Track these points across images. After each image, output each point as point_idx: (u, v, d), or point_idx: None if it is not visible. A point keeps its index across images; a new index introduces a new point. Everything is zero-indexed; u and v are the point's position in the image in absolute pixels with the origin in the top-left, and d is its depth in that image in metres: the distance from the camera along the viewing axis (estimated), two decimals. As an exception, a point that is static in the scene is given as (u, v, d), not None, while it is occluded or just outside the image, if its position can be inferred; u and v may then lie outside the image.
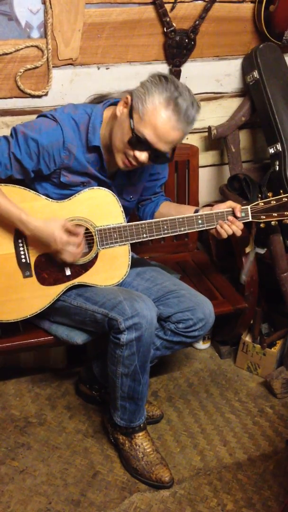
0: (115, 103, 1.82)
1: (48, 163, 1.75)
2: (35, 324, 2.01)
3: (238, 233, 1.90)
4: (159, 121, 1.64)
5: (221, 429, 2.19)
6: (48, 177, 1.80)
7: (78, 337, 1.94)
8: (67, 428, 2.15)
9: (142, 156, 1.70)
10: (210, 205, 2.34)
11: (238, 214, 1.90)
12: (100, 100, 1.87)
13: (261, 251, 2.31)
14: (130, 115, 1.67)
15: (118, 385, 1.86)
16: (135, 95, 1.67)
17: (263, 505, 1.88)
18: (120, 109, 1.71)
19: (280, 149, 2.32)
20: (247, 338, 2.45)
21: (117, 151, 1.73)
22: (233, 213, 1.90)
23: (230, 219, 1.89)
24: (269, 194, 1.96)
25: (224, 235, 1.90)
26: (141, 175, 1.95)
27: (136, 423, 1.94)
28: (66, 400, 2.29)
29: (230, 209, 1.90)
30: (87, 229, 1.83)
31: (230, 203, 1.92)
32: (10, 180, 1.78)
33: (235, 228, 1.89)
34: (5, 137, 1.74)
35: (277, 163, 2.34)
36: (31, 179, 1.81)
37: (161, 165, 2.01)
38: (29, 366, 2.41)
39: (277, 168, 2.34)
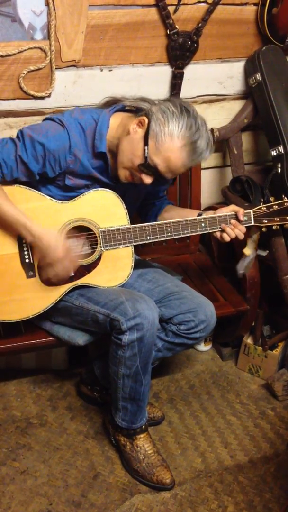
0: (122, 109, 1.82)
1: (53, 167, 1.75)
2: (36, 324, 2.01)
3: (241, 236, 1.92)
4: (174, 157, 1.68)
5: (222, 431, 2.19)
6: (53, 179, 1.80)
7: (80, 338, 1.94)
8: (68, 429, 2.15)
9: (148, 179, 1.74)
10: (212, 207, 2.35)
11: (241, 218, 1.91)
12: (114, 103, 1.87)
13: (263, 253, 2.32)
14: (145, 141, 1.68)
15: (120, 386, 1.86)
16: (153, 120, 1.67)
17: (264, 508, 1.88)
18: (134, 128, 1.71)
19: (283, 151, 2.33)
20: (249, 340, 2.44)
21: (122, 167, 1.76)
22: (236, 217, 1.91)
23: (233, 222, 1.90)
24: (272, 198, 1.98)
25: (227, 239, 1.91)
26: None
27: (138, 424, 1.94)
28: (67, 401, 2.29)
29: (233, 213, 1.91)
30: (91, 230, 1.83)
31: (233, 207, 1.93)
32: (15, 181, 1.78)
33: (238, 231, 1.91)
34: (12, 140, 1.74)
35: (279, 165, 2.34)
36: (36, 181, 1.81)
37: None
38: (30, 367, 2.41)
39: (279, 171, 2.34)
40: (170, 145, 1.66)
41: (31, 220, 1.73)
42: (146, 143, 1.68)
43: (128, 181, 1.79)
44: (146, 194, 2.05)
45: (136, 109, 1.78)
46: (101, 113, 1.78)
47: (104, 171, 1.82)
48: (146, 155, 1.68)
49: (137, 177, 1.75)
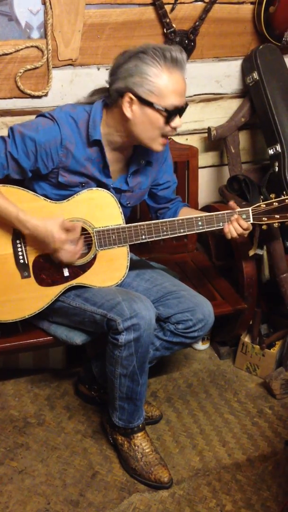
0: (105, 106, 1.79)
1: (46, 162, 1.75)
2: (34, 324, 2.01)
3: (244, 227, 1.89)
4: (175, 84, 1.66)
5: (220, 429, 2.19)
6: (46, 177, 1.80)
7: (77, 338, 1.94)
8: (66, 429, 2.15)
9: (178, 122, 1.72)
10: (211, 207, 2.35)
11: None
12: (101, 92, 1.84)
13: (261, 252, 2.32)
14: (147, 104, 1.66)
15: (117, 386, 1.86)
16: (135, 87, 1.65)
17: (262, 506, 1.88)
18: (129, 110, 1.69)
19: (280, 150, 2.33)
20: (246, 339, 2.45)
21: (151, 140, 1.74)
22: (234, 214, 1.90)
23: (236, 217, 1.88)
24: (272, 195, 1.95)
25: (234, 234, 1.88)
26: (141, 184, 1.95)
27: (135, 423, 1.95)
28: (65, 400, 2.29)
29: (230, 210, 1.90)
30: (85, 230, 1.83)
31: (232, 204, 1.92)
32: (8, 181, 1.78)
33: (236, 225, 1.88)
34: (2, 137, 1.74)
35: (277, 164, 2.34)
36: (29, 179, 1.81)
37: (169, 172, 2.03)
38: (28, 366, 2.42)
39: (277, 169, 2.34)
40: (165, 81, 1.64)
41: (25, 212, 1.73)
42: (150, 104, 1.66)
43: (164, 145, 1.78)
44: (159, 199, 2.05)
45: (109, 102, 1.75)
46: (93, 105, 1.78)
47: (103, 165, 1.81)
48: (161, 108, 1.66)
49: (170, 131, 1.73)
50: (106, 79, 1.76)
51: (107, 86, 1.77)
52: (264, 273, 2.28)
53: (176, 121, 1.71)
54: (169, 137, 1.84)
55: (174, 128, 1.73)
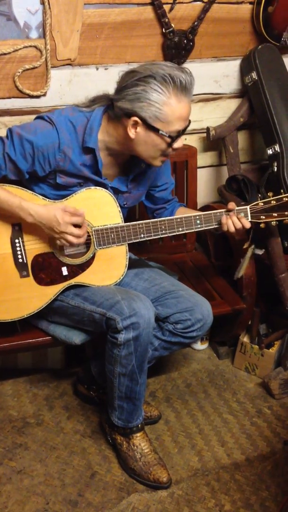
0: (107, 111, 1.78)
1: (43, 165, 1.74)
2: (33, 324, 2.01)
3: (246, 226, 1.90)
4: (181, 110, 1.67)
5: (219, 429, 2.19)
6: (44, 178, 1.80)
7: (76, 337, 1.94)
8: (65, 429, 2.15)
9: (180, 144, 1.74)
10: (210, 207, 2.35)
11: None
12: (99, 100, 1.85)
13: (259, 251, 2.32)
14: (153, 129, 1.67)
15: (116, 385, 1.86)
16: (141, 112, 1.65)
17: (261, 506, 1.88)
18: (133, 132, 1.69)
19: (278, 150, 2.33)
20: (245, 339, 2.45)
21: (152, 159, 1.77)
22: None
23: (240, 216, 1.89)
24: (270, 194, 1.95)
25: (231, 228, 1.88)
26: (139, 186, 1.95)
27: (134, 423, 1.94)
28: (64, 400, 2.28)
29: (228, 209, 1.90)
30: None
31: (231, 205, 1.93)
32: (6, 180, 1.78)
33: (236, 220, 1.88)
34: (0, 138, 1.74)
35: (275, 164, 2.34)
36: (26, 180, 1.81)
37: (166, 174, 2.04)
38: (26, 366, 2.41)
39: (275, 169, 2.34)
40: (172, 108, 1.65)
41: (26, 200, 1.73)
42: (155, 130, 1.67)
43: (164, 161, 1.81)
44: (156, 200, 2.06)
45: (112, 114, 1.75)
46: (94, 111, 1.77)
47: (95, 169, 1.81)
48: (166, 134, 1.68)
49: (171, 152, 1.76)
50: (112, 96, 1.73)
51: (109, 93, 1.77)
52: (239, 271, 2.23)
53: (178, 143, 1.73)
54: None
55: (176, 149, 1.75)
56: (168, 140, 1.70)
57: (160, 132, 1.67)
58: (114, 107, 1.72)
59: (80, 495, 1.90)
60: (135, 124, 1.68)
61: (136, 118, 1.67)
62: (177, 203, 2.11)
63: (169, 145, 1.72)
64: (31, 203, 1.74)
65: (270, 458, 2.06)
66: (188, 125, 1.73)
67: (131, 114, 1.67)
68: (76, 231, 1.76)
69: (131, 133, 1.69)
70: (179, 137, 1.72)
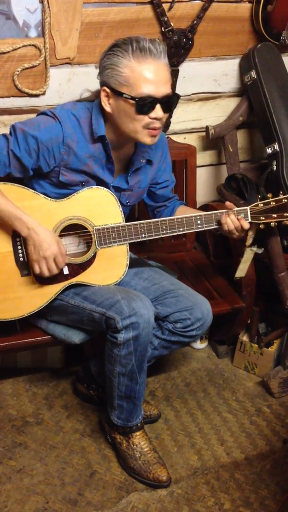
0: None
1: (48, 160, 1.74)
2: (32, 323, 2.00)
3: (237, 223, 1.88)
4: (144, 71, 1.63)
5: (219, 428, 2.19)
6: (47, 175, 1.80)
7: (76, 337, 1.94)
8: (65, 428, 2.15)
9: (158, 112, 1.67)
10: (209, 206, 2.35)
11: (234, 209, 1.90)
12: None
13: (259, 250, 2.31)
14: (119, 95, 1.66)
15: (115, 384, 1.86)
16: (108, 80, 1.66)
17: (260, 504, 1.88)
18: (107, 104, 1.70)
19: (278, 149, 2.33)
20: (245, 338, 2.45)
21: (136, 133, 1.70)
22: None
23: (240, 217, 1.88)
24: (269, 195, 1.96)
25: (231, 226, 1.87)
26: (140, 182, 1.95)
27: (133, 422, 1.94)
28: (64, 399, 2.28)
29: (229, 209, 1.90)
30: (85, 228, 1.82)
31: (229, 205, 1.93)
32: (8, 179, 1.78)
33: (234, 218, 1.87)
34: (4, 135, 1.74)
35: (275, 163, 2.34)
36: (29, 178, 1.81)
37: (167, 172, 2.03)
38: (26, 365, 2.41)
39: (275, 168, 2.34)
40: (132, 71, 1.63)
41: (26, 214, 1.73)
42: (121, 95, 1.65)
43: (156, 139, 1.73)
44: (157, 198, 2.05)
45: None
46: (94, 102, 1.78)
47: (101, 159, 1.80)
48: (130, 97, 1.64)
49: (151, 123, 1.68)
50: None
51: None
52: (238, 272, 2.21)
53: (156, 112, 1.67)
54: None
55: (155, 119, 1.68)
56: (135, 103, 1.64)
57: (124, 95, 1.65)
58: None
59: (79, 494, 1.90)
60: (107, 96, 1.69)
61: (105, 88, 1.68)
62: (177, 201, 2.11)
63: (142, 111, 1.65)
64: (31, 218, 1.72)
65: (269, 457, 2.06)
66: (167, 95, 1.66)
67: (101, 86, 1.69)
68: (54, 266, 1.76)
69: (106, 106, 1.70)
70: (154, 105, 1.65)
